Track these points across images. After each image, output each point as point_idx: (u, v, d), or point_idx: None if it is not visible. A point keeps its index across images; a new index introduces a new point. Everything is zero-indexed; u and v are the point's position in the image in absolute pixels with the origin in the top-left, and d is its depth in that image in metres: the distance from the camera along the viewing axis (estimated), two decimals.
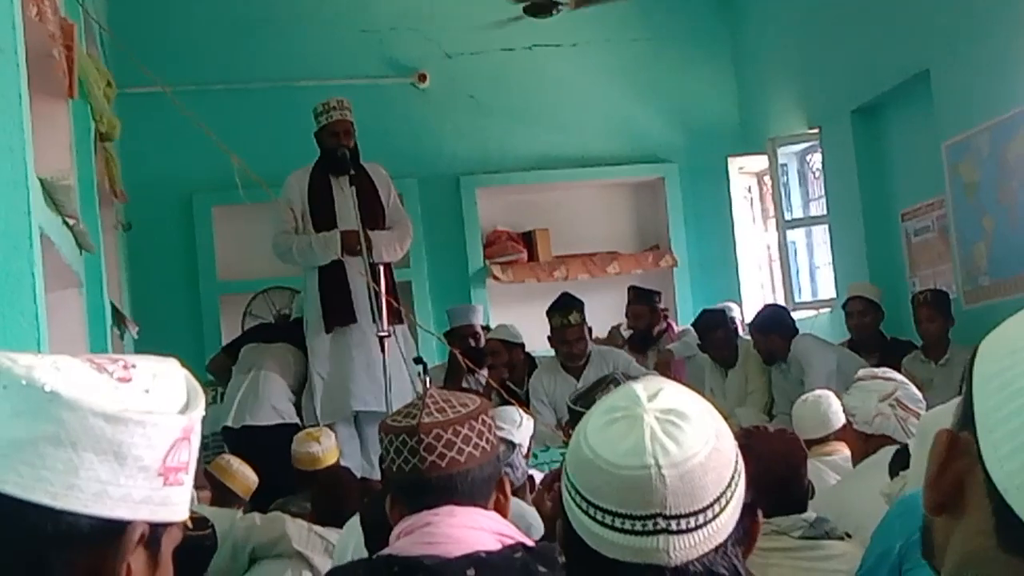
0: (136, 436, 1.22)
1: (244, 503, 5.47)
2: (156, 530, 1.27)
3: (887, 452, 3.92)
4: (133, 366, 1.27)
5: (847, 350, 7.31)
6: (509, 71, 9.71)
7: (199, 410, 1.30)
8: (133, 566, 1.25)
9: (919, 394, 4.34)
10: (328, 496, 4.81)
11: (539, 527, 3.82)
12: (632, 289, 8.42)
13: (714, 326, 7.53)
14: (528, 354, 7.72)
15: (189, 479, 1.30)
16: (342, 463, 5.90)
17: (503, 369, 7.64)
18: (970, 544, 1.08)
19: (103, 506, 1.21)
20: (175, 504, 1.28)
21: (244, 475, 5.38)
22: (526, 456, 4.93)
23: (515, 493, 3.84)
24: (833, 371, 6.92)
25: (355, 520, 3.88)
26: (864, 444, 4.26)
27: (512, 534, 2.30)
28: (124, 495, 1.22)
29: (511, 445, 4.09)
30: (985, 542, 1.06)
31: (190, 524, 1.37)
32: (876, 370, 4.50)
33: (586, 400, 4.99)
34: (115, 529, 1.23)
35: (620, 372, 5.99)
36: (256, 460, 5.91)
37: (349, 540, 3.67)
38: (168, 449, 1.25)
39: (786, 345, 7.19)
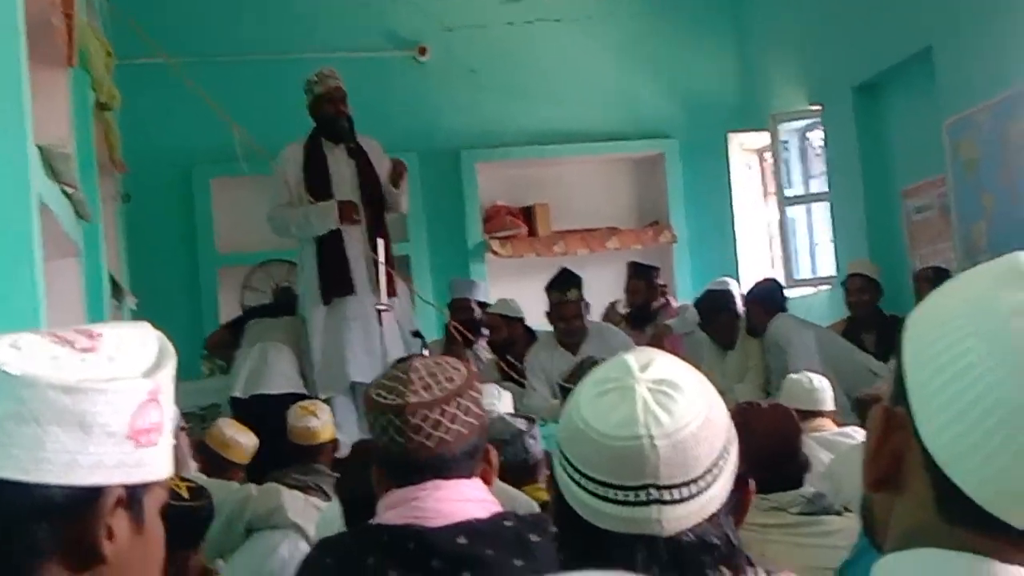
0: (99, 404, 1.24)
1: (242, 469, 5.46)
2: (135, 491, 1.29)
3: None
4: (99, 335, 1.29)
5: (826, 328, 7.34)
6: (509, 45, 9.68)
7: (167, 370, 1.32)
8: (115, 528, 1.28)
9: None
10: (358, 476, 4.78)
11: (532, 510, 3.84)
12: (631, 264, 8.41)
13: (718, 308, 7.49)
14: (528, 328, 7.73)
15: (164, 438, 1.31)
16: (339, 436, 5.90)
17: (497, 347, 7.67)
18: (912, 518, 1.08)
19: (75, 475, 1.24)
20: (150, 464, 1.30)
21: (238, 442, 5.37)
22: None
23: (531, 472, 3.86)
24: (812, 349, 6.93)
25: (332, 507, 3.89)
26: None
27: (498, 504, 2.31)
28: (95, 462, 1.25)
29: (531, 421, 4.08)
30: (926, 515, 1.06)
31: (183, 491, 1.39)
32: None
33: (576, 379, 5.01)
34: (90, 496, 1.26)
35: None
36: (264, 427, 5.91)
37: (335, 518, 3.66)
38: (134, 413, 1.27)
39: (766, 320, 7.21)
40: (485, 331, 7.98)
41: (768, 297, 7.39)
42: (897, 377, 1.09)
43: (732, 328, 7.50)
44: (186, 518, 3.07)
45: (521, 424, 3.98)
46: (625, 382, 1.51)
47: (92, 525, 1.26)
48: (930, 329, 1.06)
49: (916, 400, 1.06)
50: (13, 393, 1.22)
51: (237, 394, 6.95)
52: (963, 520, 1.04)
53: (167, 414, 1.32)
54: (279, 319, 7.34)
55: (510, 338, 7.66)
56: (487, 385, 4.99)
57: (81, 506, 1.25)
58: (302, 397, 6.89)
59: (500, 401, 4.81)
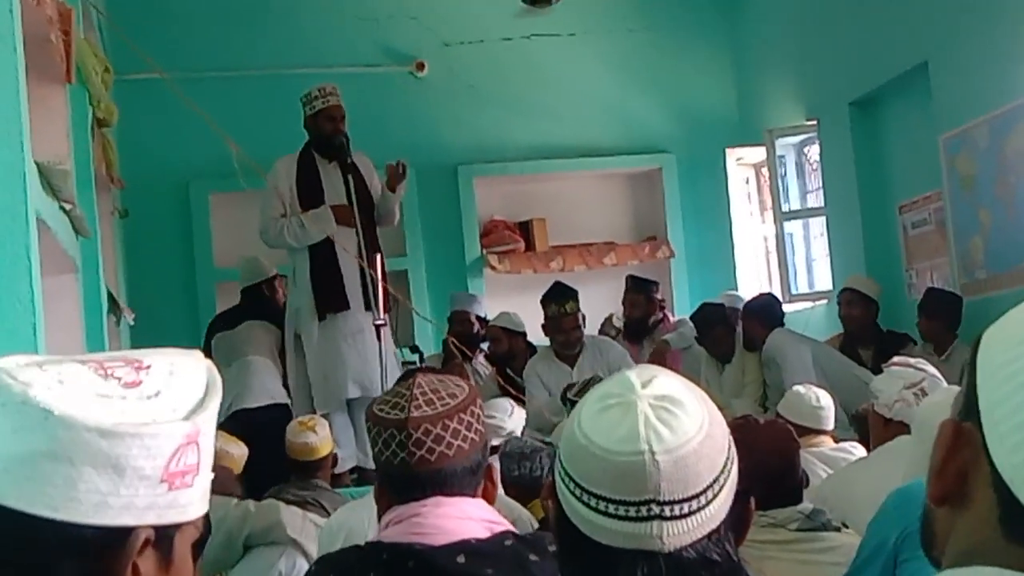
0: (134, 448, 1.24)
1: (238, 479, 5.45)
2: (165, 531, 1.29)
3: (901, 441, 3.92)
4: (148, 367, 1.28)
5: (822, 343, 7.35)
6: (507, 61, 9.70)
7: (210, 411, 1.31)
8: (142, 567, 1.27)
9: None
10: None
11: (530, 526, 3.84)
12: (630, 278, 8.41)
13: (714, 322, 7.52)
14: (530, 343, 7.74)
15: (201, 479, 1.31)
16: (337, 452, 5.90)
17: (497, 359, 7.68)
18: (975, 535, 1.07)
19: (105, 516, 1.24)
20: (183, 506, 1.29)
21: (229, 453, 5.34)
22: None
23: (538, 491, 3.86)
24: (809, 364, 6.93)
25: (342, 513, 3.88)
26: (883, 429, 4.25)
27: (500, 521, 2.30)
28: (126, 504, 1.24)
29: (551, 446, 4.09)
30: (990, 533, 1.06)
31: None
32: (912, 359, 4.49)
33: (583, 393, 5.02)
34: (119, 536, 1.25)
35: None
36: (249, 443, 5.90)
37: (337, 534, 3.65)
38: (171, 456, 1.26)
39: (764, 334, 7.21)
40: (484, 345, 7.99)
41: (765, 312, 7.41)
42: (969, 393, 1.09)
43: (728, 341, 7.51)
44: None
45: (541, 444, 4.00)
46: (627, 398, 1.51)
47: (119, 565, 1.26)
48: (1007, 348, 1.06)
49: (988, 417, 1.05)
50: (48, 432, 1.22)
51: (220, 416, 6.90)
52: None
53: (206, 454, 1.31)
54: (240, 328, 7.25)
55: (511, 351, 7.67)
56: (500, 400, 5.00)
57: (109, 545, 1.25)
58: (285, 408, 6.91)
59: (511, 417, 4.81)
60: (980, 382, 1.07)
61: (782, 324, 7.39)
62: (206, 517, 1.35)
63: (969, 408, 1.07)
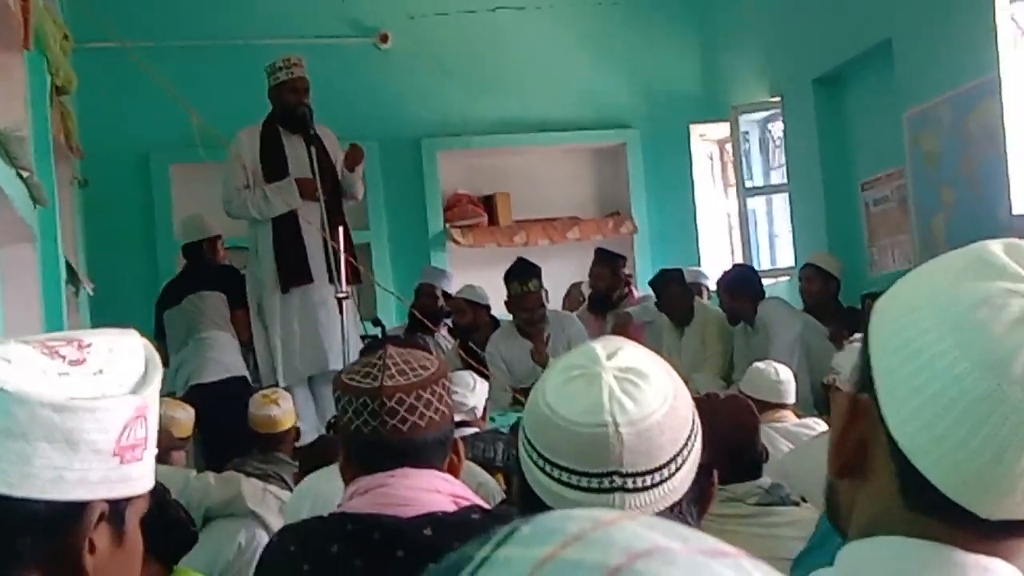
0: (87, 422, 1.26)
1: (185, 444, 5.41)
2: (117, 505, 1.31)
3: None
4: (88, 345, 1.30)
5: (811, 318, 7.35)
6: (472, 33, 9.66)
7: (154, 385, 1.33)
8: (97, 542, 1.29)
9: None
10: (320, 459, 4.76)
11: (498, 495, 3.84)
12: (598, 251, 8.40)
13: (668, 280, 7.55)
14: (493, 316, 7.73)
15: (149, 453, 1.33)
16: (299, 426, 5.87)
17: (460, 332, 7.68)
18: (877, 505, 1.08)
19: (59, 491, 1.26)
20: (134, 479, 1.32)
21: (175, 418, 5.28)
22: (482, 418, 4.96)
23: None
24: (797, 338, 6.96)
25: (309, 481, 3.87)
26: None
27: (467, 496, 2.30)
28: (80, 478, 1.26)
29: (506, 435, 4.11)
30: (891, 503, 1.07)
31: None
32: None
33: None
34: (73, 511, 1.28)
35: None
36: (208, 417, 5.86)
37: (303, 503, 3.64)
38: (121, 430, 1.28)
39: (753, 308, 7.21)
40: (447, 319, 7.99)
41: (751, 286, 7.38)
42: (863, 364, 1.09)
43: (684, 302, 7.51)
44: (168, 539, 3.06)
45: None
46: (592, 369, 1.50)
47: (75, 539, 1.28)
48: (897, 318, 1.06)
49: (883, 388, 1.06)
50: (3, 408, 1.23)
51: (175, 391, 6.82)
52: (928, 508, 1.05)
53: (152, 429, 1.34)
54: (188, 303, 7.10)
55: (474, 324, 7.67)
56: (461, 373, 4.98)
57: (65, 520, 1.28)
58: (243, 380, 6.87)
59: (473, 392, 4.80)
60: (872, 353, 1.08)
61: (760, 292, 7.38)
62: (156, 491, 1.37)
63: (864, 380, 1.08)
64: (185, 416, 5.34)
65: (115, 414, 1.28)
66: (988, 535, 1.04)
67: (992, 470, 1.01)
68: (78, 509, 1.27)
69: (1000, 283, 1.04)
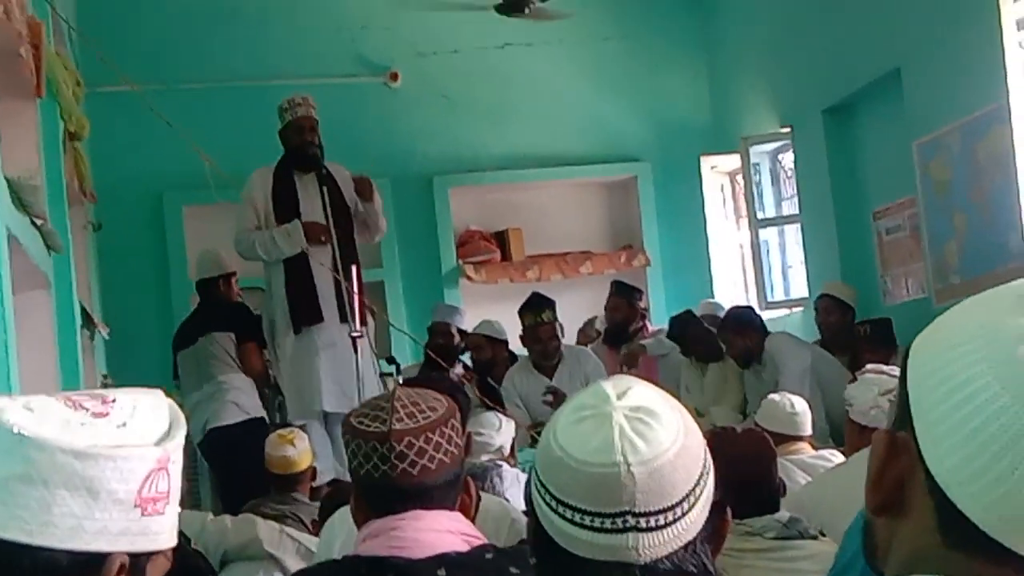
0: (108, 470, 1.24)
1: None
2: (138, 559, 1.28)
3: None
4: (112, 400, 1.29)
5: (821, 349, 7.32)
6: (482, 70, 9.70)
7: (178, 439, 1.31)
8: None
9: None
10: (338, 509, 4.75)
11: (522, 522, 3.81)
12: (615, 283, 8.41)
13: (684, 327, 7.55)
14: (511, 352, 7.73)
15: (172, 508, 1.31)
16: (315, 465, 5.87)
17: (479, 368, 7.68)
18: (915, 543, 1.08)
19: (79, 540, 1.23)
20: (156, 533, 1.29)
21: None
22: (511, 455, 4.91)
23: None
24: (807, 369, 6.93)
25: (341, 514, 3.85)
26: (859, 437, 4.25)
27: (478, 536, 2.29)
28: (100, 528, 1.24)
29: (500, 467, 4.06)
30: (930, 540, 1.06)
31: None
32: (884, 367, 4.49)
33: None
34: (94, 561, 1.25)
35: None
36: (225, 460, 5.86)
37: (336, 532, 3.62)
38: (143, 480, 1.26)
39: (761, 343, 7.19)
40: (463, 357, 7.99)
41: (755, 321, 7.37)
42: (901, 402, 1.09)
43: (708, 340, 7.49)
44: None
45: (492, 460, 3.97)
46: (602, 409, 1.50)
47: None
48: (937, 355, 1.06)
49: (921, 424, 1.05)
50: (23, 454, 1.21)
51: (195, 438, 6.84)
52: (966, 546, 1.04)
53: (175, 484, 1.31)
54: (202, 344, 7.11)
55: (493, 360, 7.68)
56: (488, 414, 4.95)
57: (84, 571, 1.25)
58: (260, 421, 6.88)
59: (499, 432, 4.75)
60: (911, 390, 1.07)
61: (761, 328, 7.36)
62: (177, 548, 1.34)
63: (903, 417, 1.08)
64: None
65: (137, 464, 1.26)
66: None
67: None
68: (97, 561, 1.25)
69: None
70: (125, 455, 1.25)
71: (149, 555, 1.30)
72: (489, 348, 7.74)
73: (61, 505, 1.22)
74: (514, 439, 4.98)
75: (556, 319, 7.23)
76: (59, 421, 1.24)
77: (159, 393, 1.35)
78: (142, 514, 1.27)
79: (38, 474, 1.21)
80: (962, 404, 1.02)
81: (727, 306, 8.49)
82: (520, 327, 7.33)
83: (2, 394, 1.31)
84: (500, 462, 4.60)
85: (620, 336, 8.17)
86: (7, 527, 1.21)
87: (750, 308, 7.82)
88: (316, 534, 4.58)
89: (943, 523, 1.04)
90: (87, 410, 1.26)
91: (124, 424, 1.27)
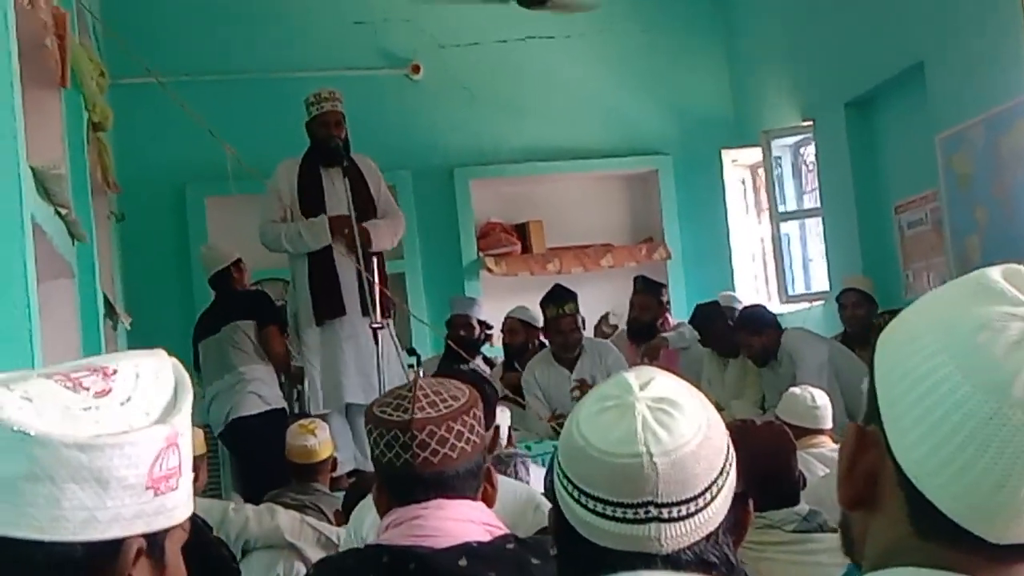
0: (115, 459, 1.21)
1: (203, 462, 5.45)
2: (155, 538, 1.27)
3: None
4: (114, 373, 1.26)
5: (837, 343, 7.30)
6: (503, 63, 9.70)
7: (185, 410, 1.28)
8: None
9: None
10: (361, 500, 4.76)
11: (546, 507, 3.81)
12: (642, 279, 8.36)
13: (712, 319, 7.52)
14: (543, 341, 7.76)
15: (184, 480, 1.28)
16: (335, 455, 5.89)
17: (510, 352, 7.74)
18: (888, 535, 1.09)
19: (93, 531, 1.21)
20: (171, 509, 1.27)
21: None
22: (509, 443, 4.93)
23: None
24: (824, 363, 6.91)
25: (368, 503, 3.86)
26: None
27: (499, 526, 2.30)
28: (113, 516, 1.22)
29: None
30: (903, 532, 1.07)
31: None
32: None
33: None
34: (110, 549, 1.23)
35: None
36: (246, 450, 5.88)
37: (362, 526, 3.63)
38: (152, 463, 1.24)
39: (778, 339, 7.17)
40: (483, 349, 8.03)
41: (771, 319, 7.34)
42: (870, 396, 1.10)
43: (729, 335, 7.48)
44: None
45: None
46: (625, 400, 1.51)
47: None
48: (900, 347, 1.08)
49: (888, 418, 1.07)
50: (26, 453, 1.19)
51: (209, 424, 6.87)
52: (938, 536, 1.05)
53: (186, 454, 1.29)
54: (225, 333, 7.12)
55: (525, 344, 7.73)
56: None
57: (101, 560, 1.23)
58: (281, 412, 6.90)
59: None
60: (878, 382, 1.09)
61: (775, 325, 7.33)
62: (198, 528, 1.32)
63: (872, 411, 1.09)
64: (196, 436, 5.35)
65: (144, 447, 1.23)
66: (1000, 560, 1.04)
67: (997, 494, 1.01)
68: (114, 547, 1.23)
69: (999, 307, 1.05)
70: (132, 440, 1.22)
71: (166, 531, 1.28)
72: (523, 332, 7.83)
73: (71, 498, 1.19)
74: (509, 428, 5.00)
75: (578, 311, 7.25)
76: (60, 410, 1.21)
77: (161, 353, 1.32)
78: (155, 494, 1.24)
79: (43, 471, 1.19)
80: (925, 396, 1.03)
81: (745, 299, 8.47)
82: (543, 318, 7.35)
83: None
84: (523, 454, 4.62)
85: (646, 332, 8.14)
86: (17, 525, 1.19)
87: (763, 307, 7.76)
88: (337, 524, 4.61)
89: (914, 514, 1.06)
90: (88, 390, 1.23)
91: (128, 399, 1.24)
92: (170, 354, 1.36)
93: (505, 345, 7.98)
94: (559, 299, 7.20)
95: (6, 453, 1.19)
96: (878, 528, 1.10)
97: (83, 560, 1.21)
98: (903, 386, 1.05)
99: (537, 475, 4.23)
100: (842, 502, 1.13)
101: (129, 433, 1.23)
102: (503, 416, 4.85)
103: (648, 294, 8.20)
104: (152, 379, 1.28)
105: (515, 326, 7.86)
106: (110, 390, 1.24)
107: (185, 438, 1.29)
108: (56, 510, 1.19)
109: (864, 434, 1.10)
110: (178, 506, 1.28)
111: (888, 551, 1.08)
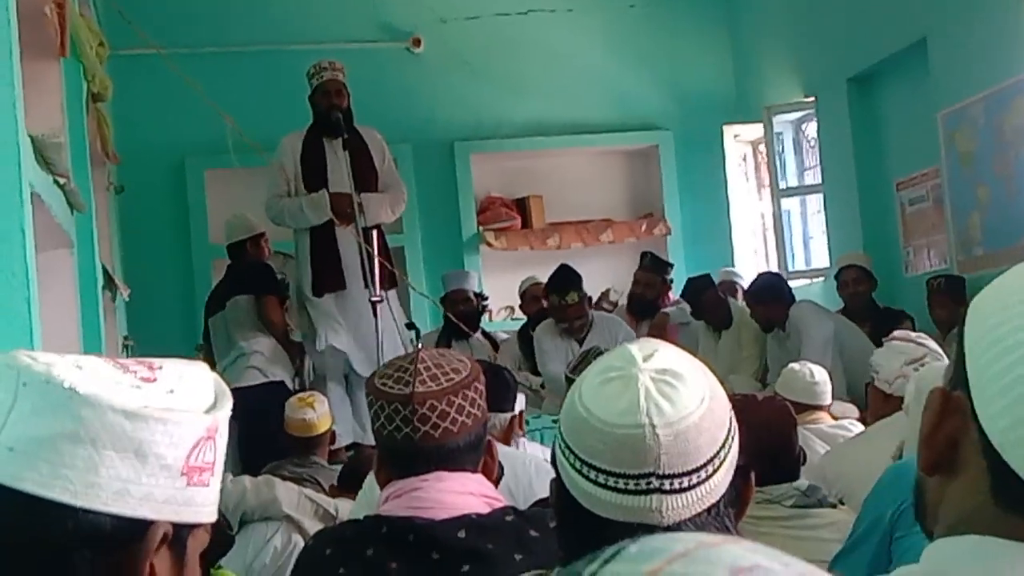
0: (158, 434, 1.21)
1: None
2: (180, 531, 1.26)
3: (899, 417, 3.91)
4: (159, 367, 1.26)
5: (845, 319, 7.29)
6: (504, 36, 9.66)
7: (225, 411, 1.29)
8: (157, 567, 1.24)
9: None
10: (357, 474, 4.77)
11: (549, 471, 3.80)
12: (649, 255, 8.35)
13: (701, 289, 7.55)
14: None
15: (215, 480, 1.28)
16: (334, 428, 5.90)
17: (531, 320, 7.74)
18: (966, 503, 1.07)
19: (124, 505, 1.20)
20: (200, 505, 1.26)
21: None
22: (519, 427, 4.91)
23: None
24: (830, 339, 6.90)
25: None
26: (883, 404, 4.24)
27: (499, 498, 2.30)
28: (146, 494, 1.21)
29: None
30: (981, 500, 1.05)
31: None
32: (912, 334, 4.46)
33: (581, 370, 4.98)
34: (137, 529, 1.22)
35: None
36: (245, 421, 5.84)
37: (372, 498, 3.64)
38: (191, 448, 1.24)
39: (785, 313, 7.16)
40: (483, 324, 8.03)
41: (780, 292, 7.32)
42: (957, 360, 1.08)
43: (721, 306, 7.49)
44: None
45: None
46: (628, 371, 1.50)
47: (137, 560, 1.23)
48: (993, 313, 1.05)
49: (976, 384, 1.05)
50: (73, 412, 1.18)
51: None
52: (1019, 508, 1.03)
53: (220, 456, 1.29)
54: (229, 309, 7.15)
55: (543, 313, 7.71)
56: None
57: (127, 538, 1.22)
58: (281, 385, 6.91)
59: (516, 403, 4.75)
60: (968, 349, 1.07)
61: (789, 296, 7.33)
62: (213, 526, 1.32)
63: (958, 377, 1.07)
64: None
65: (187, 429, 1.23)
66: None
67: None
68: (141, 528, 1.22)
69: None
70: (176, 419, 1.22)
71: (191, 528, 1.27)
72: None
73: (108, 467, 1.19)
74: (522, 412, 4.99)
75: (582, 299, 7.15)
76: (110, 380, 1.21)
77: (204, 366, 1.33)
78: (188, 483, 1.24)
79: (86, 433, 1.18)
80: (1014, 365, 1.01)
81: (745, 274, 8.46)
82: (547, 303, 7.33)
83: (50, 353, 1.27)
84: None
85: (648, 310, 8.15)
86: (51, 486, 1.18)
87: (775, 278, 7.73)
88: (334, 497, 4.62)
89: (996, 484, 1.04)
90: (135, 373, 1.23)
91: (172, 391, 1.24)
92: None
93: (525, 313, 7.96)
94: (562, 288, 7.12)
95: (52, 410, 1.18)
96: (955, 495, 1.09)
97: (110, 535, 1.20)
98: (992, 354, 1.03)
99: (532, 450, 4.23)
100: (920, 465, 1.11)
101: (175, 412, 1.23)
102: (520, 400, 4.83)
103: (654, 272, 8.20)
104: (195, 381, 1.29)
105: (537, 293, 7.84)
106: (155, 379, 1.24)
107: (222, 438, 1.28)
108: (93, 475, 1.18)
109: (949, 399, 1.08)
110: (206, 504, 1.28)
111: (964, 519, 1.07)
